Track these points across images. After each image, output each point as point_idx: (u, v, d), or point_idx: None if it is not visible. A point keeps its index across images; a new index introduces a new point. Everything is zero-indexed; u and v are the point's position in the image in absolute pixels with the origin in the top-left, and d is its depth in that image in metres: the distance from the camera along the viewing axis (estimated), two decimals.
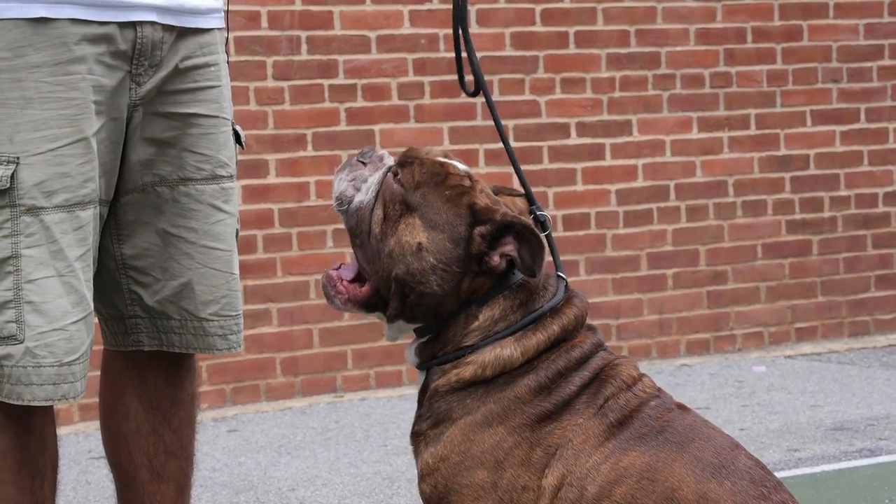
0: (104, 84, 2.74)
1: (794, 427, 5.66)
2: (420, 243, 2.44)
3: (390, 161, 2.54)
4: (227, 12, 3.00)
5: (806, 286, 7.49)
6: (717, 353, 7.29)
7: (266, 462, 5.40)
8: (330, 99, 6.53)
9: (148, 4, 2.78)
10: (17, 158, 2.67)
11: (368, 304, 2.51)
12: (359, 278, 2.53)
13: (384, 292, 2.48)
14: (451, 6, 2.84)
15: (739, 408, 6.04)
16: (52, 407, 2.79)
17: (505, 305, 2.46)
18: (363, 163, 2.55)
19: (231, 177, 2.97)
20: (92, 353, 2.81)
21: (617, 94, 7.08)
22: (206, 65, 2.91)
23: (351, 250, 2.56)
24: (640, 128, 7.12)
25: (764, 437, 5.49)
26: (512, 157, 2.74)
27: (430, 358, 2.49)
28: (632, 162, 7.11)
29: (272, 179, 6.42)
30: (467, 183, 2.48)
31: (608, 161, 7.06)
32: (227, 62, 3.01)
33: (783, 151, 7.42)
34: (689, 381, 6.66)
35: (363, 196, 2.51)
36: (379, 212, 2.47)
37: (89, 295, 2.76)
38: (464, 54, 2.77)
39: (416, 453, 2.48)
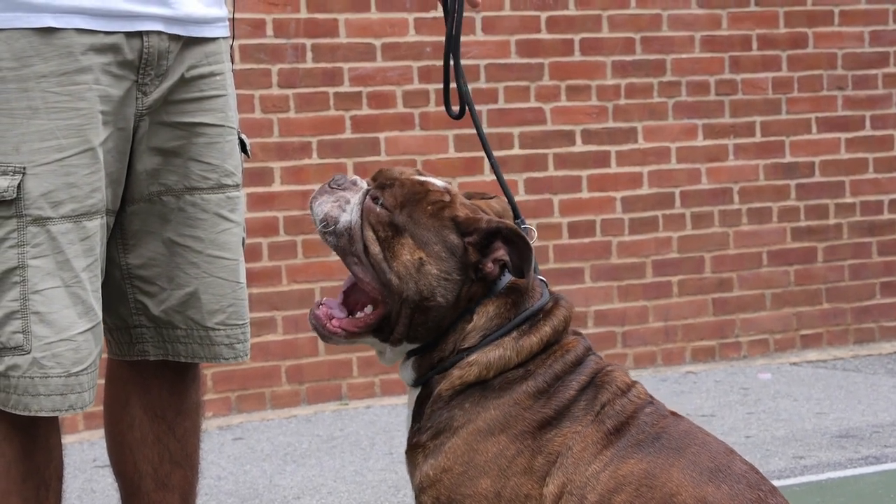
0: (111, 94, 2.74)
1: (799, 434, 5.65)
2: (421, 258, 2.47)
3: (364, 185, 2.56)
4: (232, 20, 3.00)
5: (811, 293, 7.49)
6: (723, 360, 7.28)
7: (271, 470, 5.39)
8: (335, 107, 6.53)
9: (154, 14, 2.78)
10: (24, 168, 2.67)
11: (377, 329, 2.51)
12: (352, 303, 2.54)
13: (394, 316, 2.48)
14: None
15: (745, 415, 6.03)
16: (57, 417, 2.79)
17: (498, 304, 2.49)
18: (339, 187, 2.56)
19: (237, 186, 2.97)
20: None
21: (622, 102, 7.07)
22: (212, 74, 2.91)
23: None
24: (645, 135, 7.12)
25: (769, 445, 5.48)
26: (496, 169, 2.84)
27: (429, 369, 2.50)
28: (637, 169, 7.11)
29: (277, 187, 6.42)
30: (447, 198, 2.51)
31: (613, 168, 7.06)
32: (233, 70, 3.01)
33: (788, 159, 7.42)
34: (694, 389, 6.65)
35: (349, 216, 2.52)
36: (370, 233, 2.49)
37: (97, 305, 2.76)
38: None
39: (414, 466, 2.47)
